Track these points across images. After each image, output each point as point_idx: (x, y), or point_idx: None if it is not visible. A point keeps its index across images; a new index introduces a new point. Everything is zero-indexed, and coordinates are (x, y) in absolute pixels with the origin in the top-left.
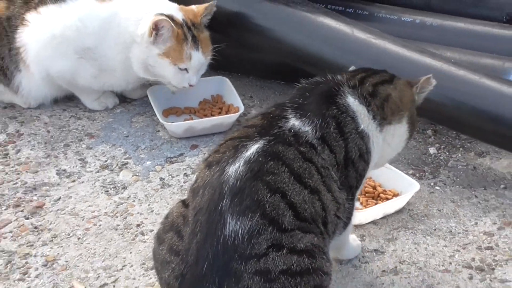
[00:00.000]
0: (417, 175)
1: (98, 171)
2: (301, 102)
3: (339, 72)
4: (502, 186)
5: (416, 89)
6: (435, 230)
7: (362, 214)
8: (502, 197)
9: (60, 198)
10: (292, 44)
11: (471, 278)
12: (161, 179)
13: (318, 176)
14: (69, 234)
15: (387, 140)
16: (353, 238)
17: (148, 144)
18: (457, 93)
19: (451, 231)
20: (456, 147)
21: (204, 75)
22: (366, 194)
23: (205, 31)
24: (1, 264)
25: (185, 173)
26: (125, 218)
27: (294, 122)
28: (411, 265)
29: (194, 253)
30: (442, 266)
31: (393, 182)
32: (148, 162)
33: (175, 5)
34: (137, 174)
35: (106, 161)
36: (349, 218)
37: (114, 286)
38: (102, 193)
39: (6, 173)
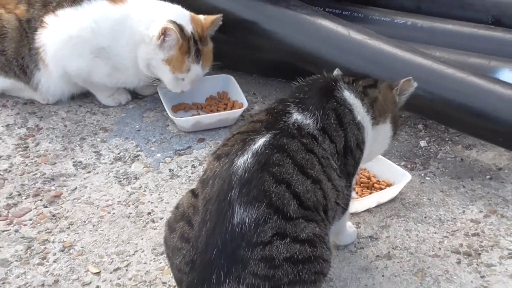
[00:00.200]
0: (409, 166)
1: (111, 163)
2: (302, 97)
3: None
4: (487, 176)
5: (396, 91)
6: (425, 217)
7: (358, 203)
8: (488, 187)
9: (76, 188)
10: (292, 44)
11: (459, 262)
12: (170, 170)
13: (319, 166)
14: (84, 221)
15: (374, 138)
16: (349, 225)
17: (158, 138)
18: (446, 90)
19: (440, 219)
20: (445, 140)
21: (210, 74)
22: (361, 184)
23: (210, 44)
24: (21, 250)
25: (192, 165)
26: (137, 206)
27: (296, 116)
28: (403, 251)
29: (204, 241)
30: (432, 251)
31: (387, 173)
32: (158, 155)
33: (188, 14)
34: (148, 165)
35: (119, 153)
36: (347, 204)
37: (126, 270)
38: (115, 183)
39: (26, 165)
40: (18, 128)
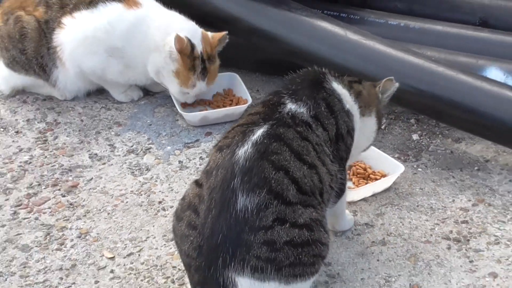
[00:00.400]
0: (402, 158)
1: (125, 155)
2: (295, 89)
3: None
4: (476, 168)
5: (378, 89)
6: (417, 206)
7: (355, 193)
8: (476, 177)
9: (92, 178)
10: (293, 44)
11: (449, 248)
12: (179, 162)
13: (314, 152)
14: (100, 210)
15: (361, 130)
16: (347, 213)
17: (168, 132)
18: (437, 86)
19: (431, 207)
20: (436, 134)
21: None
22: (358, 175)
23: (217, 61)
24: (41, 236)
25: (200, 157)
26: (149, 196)
27: (290, 106)
28: (397, 237)
29: (210, 227)
30: (424, 237)
31: (381, 165)
32: (169, 147)
33: (200, 32)
34: (159, 157)
35: (132, 146)
36: (341, 189)
37: (139, 255)
38: (128, 174)
39: (45, 157)
40: (38, 122)
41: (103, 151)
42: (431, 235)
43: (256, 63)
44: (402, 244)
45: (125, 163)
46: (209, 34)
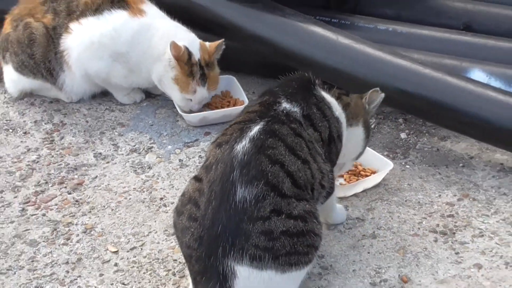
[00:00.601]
0: (391, 155)
1: (128, 154)
2: (290, 91)
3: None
4: (460, 164)
5: (365, 100)
6: (406, 201)
7: (346, 188)
8: (461, 173)
9: (96, 176)
10: (287, 48)
11: (436, 240)
12: (180, 160)
13: (307, 149)
14: (104, 206)
15: (350, 139)
16: (340, 207)
17: (169, 132)
18: (423, 87)
19: (419, 202)
20: (422, 133)
21: None
22: (349, 172)
23: (216, 69)
24: (48, 231)
25: (199, 155)
26: (151, 192)
27: (285, 105)
28: (386, 230)
29: (210, 218)
30: (412, 231)
31: (371, 162)
32: (169, 146)
33: (198, 42)
34: (160, 156)
35: (134, 145)
36: (331, 187)
37: (141, 249)
38: (131, 172)
39: (52, 156)
40: (45, 123)
41: (107, 151)
42: (419, 228)
43: (252, 66)
44: (392, 237)
45: (128, 161)
46: (207, 43)
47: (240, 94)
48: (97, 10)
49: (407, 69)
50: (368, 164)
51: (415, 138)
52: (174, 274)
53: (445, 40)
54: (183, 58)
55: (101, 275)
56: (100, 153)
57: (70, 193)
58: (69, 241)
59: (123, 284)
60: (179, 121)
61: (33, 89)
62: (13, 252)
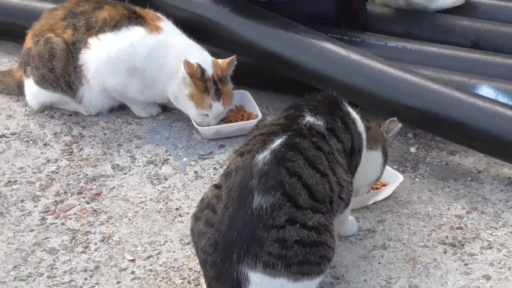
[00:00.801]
0: (401, 169)
1: (144, 166)
2: (315, 105)
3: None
4: (469, 178)
5: (383, 129)
6: (415, 213)
7: (357, 200)
8: (469, 187)
9: (114, 187)
10: (300, 64)
11: (445, 252)
12: (195, 172)
13: (326, 162)
14: (121, 216)
15: (369, 162)
16: (351, 219)
17: (184, 144)
18: (433, 102)
19: (428, 214)
20: (432, 147)
21: None
22: None
23: (230, 84)
24: (67, 240)
25: (214, 167)
26: (167, 203)
27: (309, 118)
28: (396, 242)
29: (227, 223)
30: (422, 242)
31: (382, 175)
32: (185, 159)
33: (211, 59)
34: (176, 168)
35: (151, 157)
36: (349, 199)
37: (157, 257)
38: (148, 183)
39: (71, 167)
40: (64, 136)
41: (125, 162)
42: (429, 240)
43: (266, 82)
44: (402, 248)
45: (145, 173)
46: (219, 60)
47: (254, 108)
48: (115, 26)
49: (417, 84)
50: None
51: (425, 152)
52: (189, 282)
53: (453, 57)
54: (196, 75)
55: (118, 282)
56: (118, 165)
57: (88, 203)
58: (87, 249)
59: None
60: (194, 134)
61: (53, 102)
62: (33, 260)
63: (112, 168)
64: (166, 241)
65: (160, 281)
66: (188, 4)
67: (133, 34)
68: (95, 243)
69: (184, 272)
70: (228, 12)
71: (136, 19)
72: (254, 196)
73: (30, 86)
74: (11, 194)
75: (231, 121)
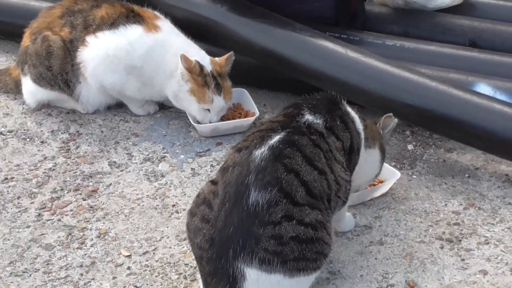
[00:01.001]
0: (398, 166)
1: (141, 163)
2: (315, 104)
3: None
4: (466, 175)
5: (379, 126)
6: (413, 209)
7: (355, 197)
8: (467, 184)
9: (111, 184)
10: (298, 62)
11: (442, 247)
12: (192, 169)
13: (324, 159)
14: (118, 212)
15: (366, 160)
16: (348, 215)
17: (182, 142)
18: (430, 100)
19: (425, 211)
20: (429, 144)
21: None
22: None
23: (228, 81)
24: (63, 236)
25: (211, 165)
26: (163, 200)
27: (308, 117)
28: (393, 238)
29: (223, 219)
30: (419, 238)
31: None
32: (182, 156)
33: (208, 58)
34: (173, 165)
35: (148, 155)
36: (346, 197)
37: (154, 253)
38: (144, 180)
39: (68, 164)
40: (61, 133)
41: (121, 159)
42: (425, 235)
43: (263, 80)
44: (398, 244)
45: (142, 170)
46: (216, 58)
47: (251, 106)
48: (113, 24)
49: (414, 82)
50: None
51: (422, 149)
52: (185, 278)
53: (451, 55)
54: (195, 71)
55: (114, 278)
56: (115, 162)
57: (85, 200)
58: (83, 245)
59: (136, 286)
60: (191, 132)
61: (50, 100)
62: (29, 256)
63: (109, 165)
64: (162, 237)
65: (156, 276)
66: (186, 2)
67: (131, 33)
68: (91, 239)
69: (180, 268)
70: (226, 11)
71: (134, 18)
72: (250, 192)
73: (28, 84)
74: (7, 190)
75: (228, 119)
